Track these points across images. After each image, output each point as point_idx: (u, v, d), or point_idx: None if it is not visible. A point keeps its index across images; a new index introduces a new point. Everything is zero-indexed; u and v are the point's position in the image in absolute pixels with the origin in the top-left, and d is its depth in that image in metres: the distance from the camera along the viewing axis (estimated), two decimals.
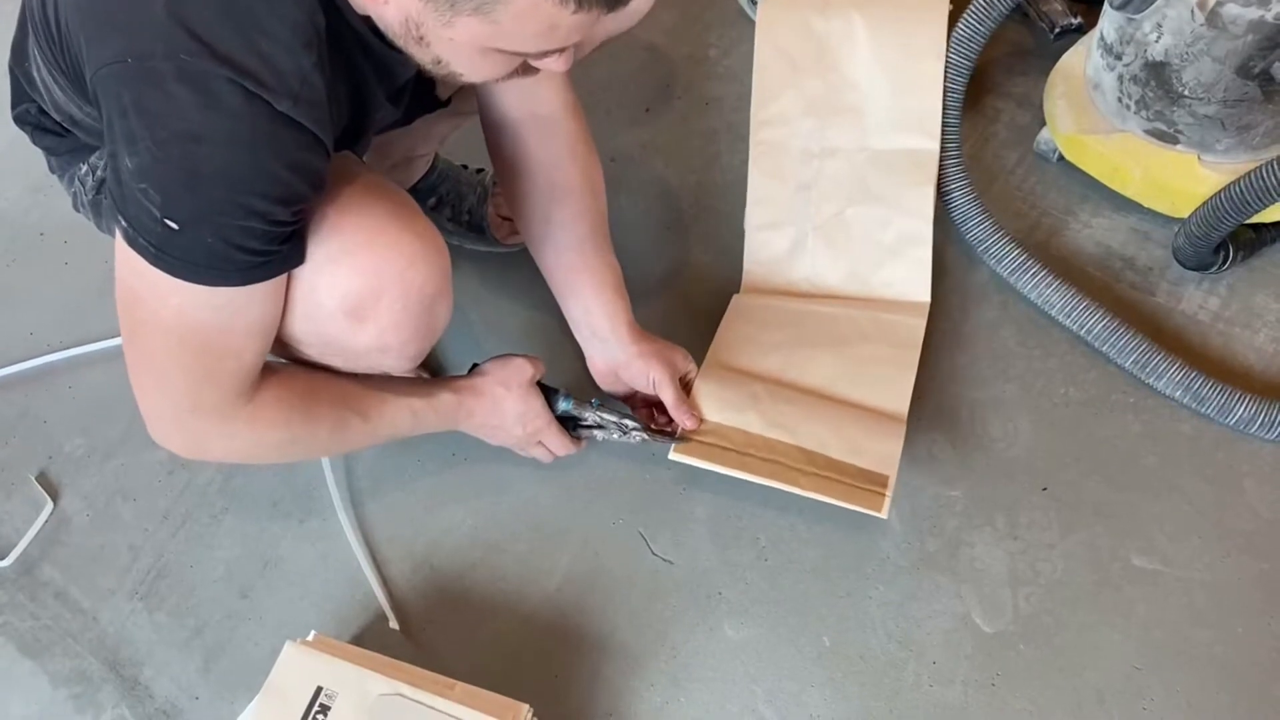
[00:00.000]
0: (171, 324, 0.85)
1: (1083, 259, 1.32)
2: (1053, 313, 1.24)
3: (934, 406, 1.22)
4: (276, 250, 0.84)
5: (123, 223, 0.81)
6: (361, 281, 0.90)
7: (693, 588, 1.14)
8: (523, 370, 1.11)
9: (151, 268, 0.81)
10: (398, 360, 0.98)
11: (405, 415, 1.05)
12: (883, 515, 1.06)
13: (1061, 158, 1.37)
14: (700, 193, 1.44)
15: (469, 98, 1.18)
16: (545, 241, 1.14)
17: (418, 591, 1.17)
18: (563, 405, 1.14)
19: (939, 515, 1.16)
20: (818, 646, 1.09)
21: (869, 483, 1.08)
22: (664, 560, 1.16)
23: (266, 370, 0.94)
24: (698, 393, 1.16)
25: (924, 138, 1.26)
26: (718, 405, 1.15)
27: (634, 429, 1.13)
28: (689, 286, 1.36)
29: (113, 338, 1.35)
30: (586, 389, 1.19)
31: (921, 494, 1.17)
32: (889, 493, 1.06)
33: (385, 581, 1.17)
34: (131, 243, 0.81)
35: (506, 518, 1.21)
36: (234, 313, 0.85)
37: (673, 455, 1.12)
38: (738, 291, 1.32)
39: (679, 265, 1.39)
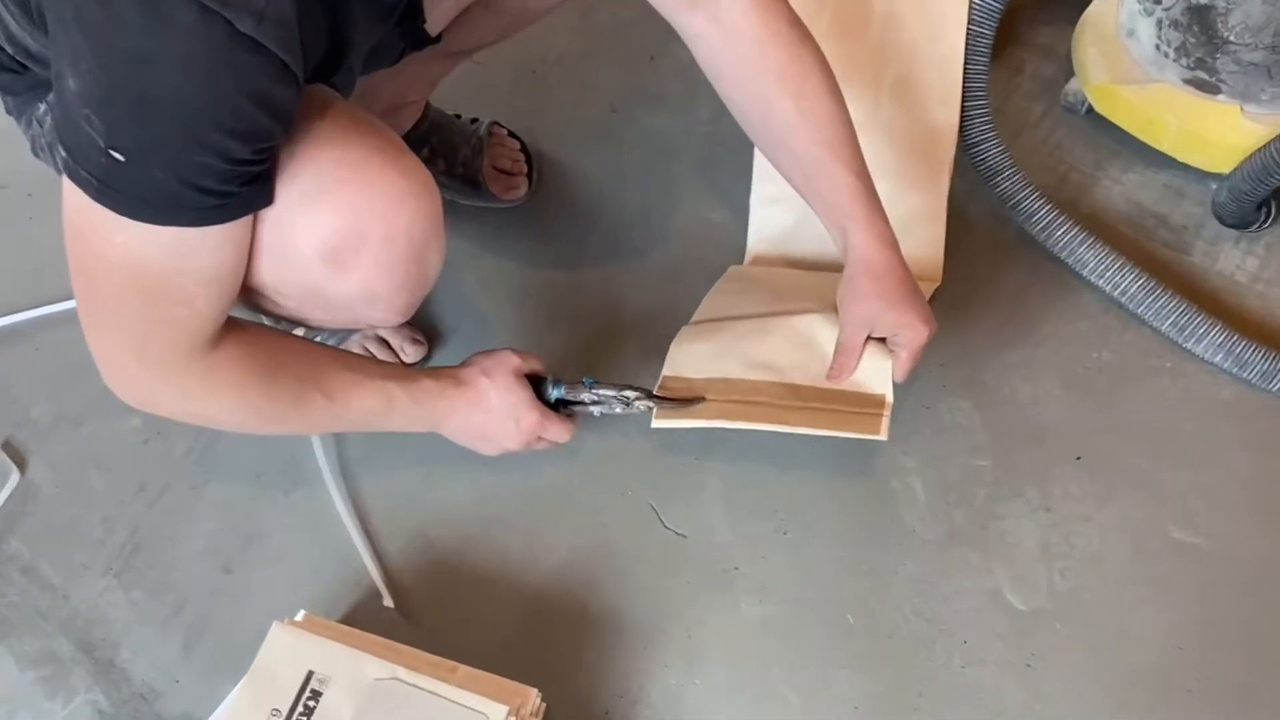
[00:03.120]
0: (117, 263, 0.76)
1: (1113, 216, 1.26)
2: (1085, 273, 1.17)
3: (958, 371, 1.16)
4: (236, 192, 0.75)
5: (63, 152, 0.72)
6: (342, 222, 0.81)
7: (708, 563, 1.08)
8: (506, 360, 1.01)
9: (94, 203, 0.72)
10: (386, 312, 0.89)
11: (377, 401, 0.95)
12: (881, 437, 0.99)
13: (1090, 110, 1.30)
14: (711, 145, 1.36)
15: (463, 35, 1.09)
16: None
17: (414, 567, 1.09)
18: (554, 393, 1.04)
19: (967, 486, 1.09)
20: (842, 625, 1.03)
21: (864, 406, 1.01)
22: (676, 534, 1.10)
23: (233, 326, 0.86)
24: (674, 354, 1.08)
25: (943, 110, 1.18)
26: (694, 360, 1.08)
27: (637, 398, 1.04)
28: (700, 247, 1.28)
29: None
30: (577, 368, 1.11)
31: (948, 463, 1.11)
32: (886, 412, 1.00)
33: (379, 556, 1.10)
34: (73, 175, 0.72)
35: (508, 490, 1.13)
36: (184, 255, 0.77)
37: (655, 424, 1.05)
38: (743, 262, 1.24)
39: (688, 224, 1.31)
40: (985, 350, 1.17)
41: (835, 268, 1.07)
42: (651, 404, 1.05)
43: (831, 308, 1.05)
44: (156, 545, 1.12)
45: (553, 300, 1.26)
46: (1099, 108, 1.27)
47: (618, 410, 1.04)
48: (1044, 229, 1.18)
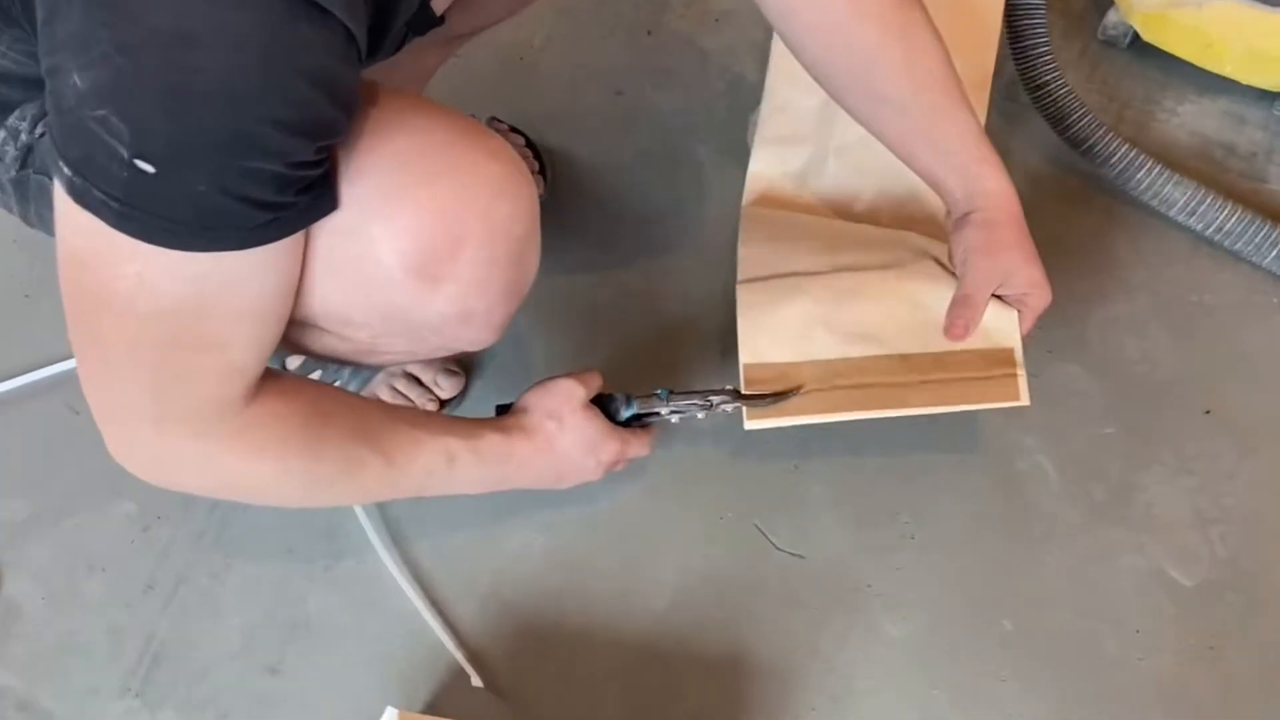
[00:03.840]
0: (129, 301, 0.60)
1: (1179, 151, 1.17)
2: (1172, 212, 1.08)
3: (1059, 333, 1.05)
4: (292, 202, 0.60)
5: (66, 170, 0.55)
6: (436, 224, 0.66)
7: (834, 583, 0.95)
8: (572, 393, 0.86)
9: (106, 228, 0.56)
10: (481, 330, 0.73)
11: (440, 460, 0.80)
12: (1023, 401, 0.87)
13: (1134, 41, 1.22)
14: (733, 117, 1.22)
15: (469, 13, 0.94)
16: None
17: (495, 636, 0.94)
18: (626, 413, 0.90)
19: (1097, 458, 0.99)
20: (998, 632, 0.91)
21: (991, 368, 0.88)
22: (792, 555, 0.96)
23: (266, 375, 0.70)
24: (748, 334, 0.91)
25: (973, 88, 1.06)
26: (777, 340, 0.91)
27: (720, 401, 0.90)
28: (710, 234, 1.14)
29: (45, 366, 1.06)
30: (635, 378, 0.95)
31: (1073, 436, 1.00)
32: (1020, 370, 0.88)
33: (453, 629, 0.94)
34: (80, 196, 0.56)
35: (584, 531, 0.99)
36: (222, 286, 0.60)
37: (748, 425, 0.89)
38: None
39: (723, 206, 1.17)
40: (1080, 308, 1.07)
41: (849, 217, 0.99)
42: (738, 403, 0.90)
43: (925, 259, 0.92)
44: (180, 652, 0.94)
45: (591, 307, 1.11)
46: (1148, 36, 1.19)
47: (699, 415, 0.90)
48: (1123, 171, 1.09)
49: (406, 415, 0.83)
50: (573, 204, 1.18)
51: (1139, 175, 1.08)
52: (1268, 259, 1.06)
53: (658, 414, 0.90)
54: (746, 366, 0.90)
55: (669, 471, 1.00)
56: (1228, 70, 1.16)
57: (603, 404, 0.89)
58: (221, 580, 0.97)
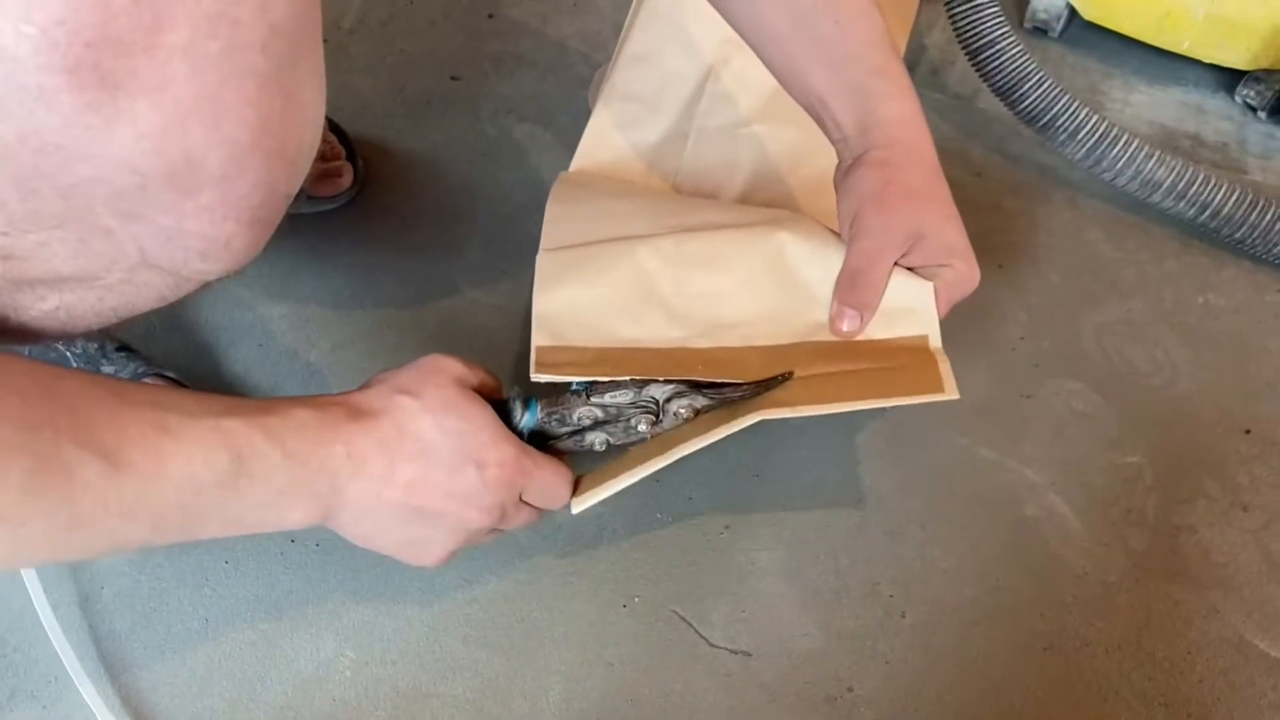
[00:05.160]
0: None
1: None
2: (1156, 196, 0.87)
3: (1045, 344, 0.81)
4: None
5: None
6: None
7: (800, 688, 0.63)
8: (443, 367, 0.54)
9: None
10: (217, 203, 0.40)
11: (215, 458, 0.44)
12: (949, 395, 0.57)
13: (1068, 26, 1.04)
14: (584, 115, 0.96)
15: None
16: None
17: None
18: (527, 419, 0.57)
19: (1126, 494, 0.73)
20: None
21: (896, 354, 0.60)
22: (731, 652, 0.65)
23: None
24: (548, 305, 0.60)
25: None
26: (583, 319, 0.60)
27: (671, 395, 0.58)
28: None
29: None
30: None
31: (1088, 468, 0.74)
32: (941, 356, 0.60)
33: None
34: None
35: (417, 636, 0.65)
36: None
37: (575, 508, 0.57)
38: None
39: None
40: (1068, 314, 0.83)
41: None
42: (706, 401, 0.58)
43: (803, 219, 0.66)
44: None
45: (422, 323, 0.80)
46: (1090, 13, 1.01)
47: (643, 429, 0.57)
48: (1093, 148, 0.87)
49: (153, 393, 0.45)
50: (395, 200, 0.88)
51: (1114, 152, 0.87)
52: (1277, 247, 0.85)
53: (575, 428, 0.57)
54: (540, 349, 0.59)
55: (546, 541, 0.68)
56: (1185, 47, 0.98)
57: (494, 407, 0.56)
58: None
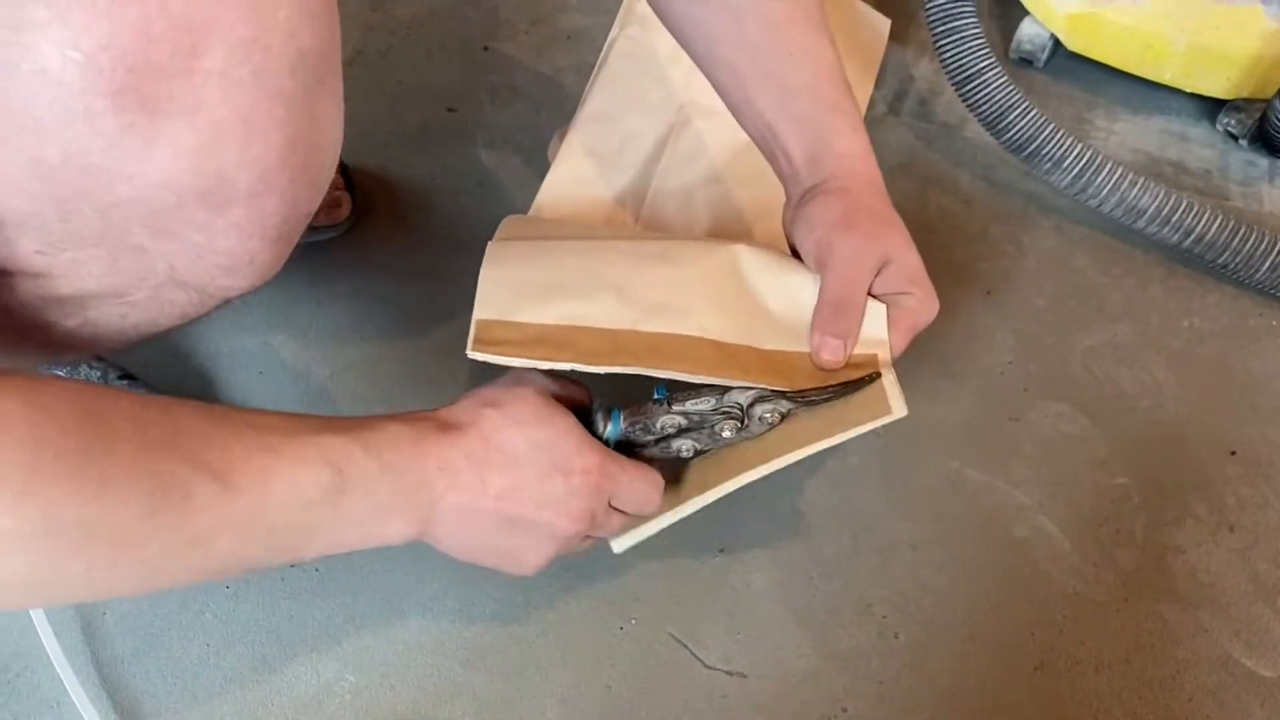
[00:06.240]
0: None
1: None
2: (1140, 222, 0.88)
3: (1033, 368, 0.82)
4: None
5: None
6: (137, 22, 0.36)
7: (791, 712, 0.64)
8: (525, 379, 0.56)
9: None
10: (256, 263, 0.43)
11: (321, 474, 0.45)
12: (897, 413, 0.58)
13: (1052, 57, 1.06)
14: None
15: None
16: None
17: None
18: (611, 429, 0.58)
19: (1115, 515, 0.74)
20: None
21: (844, 373, 0.60)
22: (727, 673, 0.66)
23: None
24: (484, 283, 0.59)
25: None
26: (528, 296, 0.59)
27: (756, 402, 0.58)
28: None
29: None
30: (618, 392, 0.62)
31: (1076, 490, 0.75)
32: (889, 370, 0.60)
33: None
34: None
35: (414, 661, 0.65)
36: None
37: (616, 546, 0.61)
38: None
39: None
40: (1055, 338, 0.85)
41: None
42: (791, 405, 0.59)
43: (763, 245, 0.65)
44: None
45: (420, 349, 0.81)
46: (1074, 43, 1.03)
47: (727, 435, 0.58)
48: (1079, 175, 0.89)
49: (238, 412, 0.46)
50: (393, 229, 0.90)
51: (1099, 179, 0.89)
52: (1259, 273, 0.87)
53: (661, 436, 0.58)
54: (479, 323, 0.57)
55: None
56: (1167, 77, 1.00)
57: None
58: None
